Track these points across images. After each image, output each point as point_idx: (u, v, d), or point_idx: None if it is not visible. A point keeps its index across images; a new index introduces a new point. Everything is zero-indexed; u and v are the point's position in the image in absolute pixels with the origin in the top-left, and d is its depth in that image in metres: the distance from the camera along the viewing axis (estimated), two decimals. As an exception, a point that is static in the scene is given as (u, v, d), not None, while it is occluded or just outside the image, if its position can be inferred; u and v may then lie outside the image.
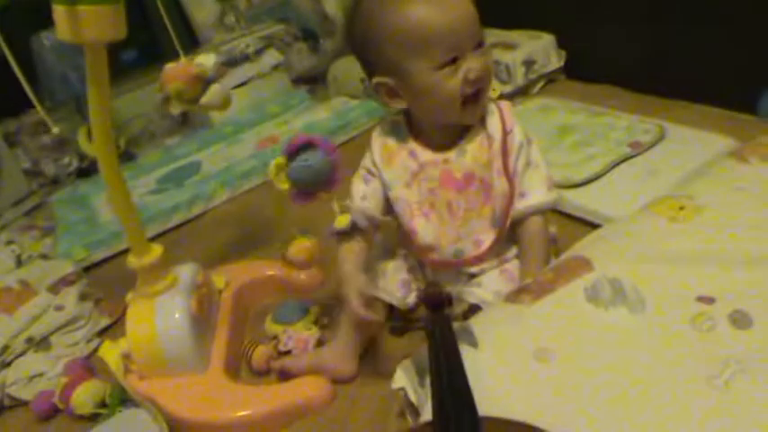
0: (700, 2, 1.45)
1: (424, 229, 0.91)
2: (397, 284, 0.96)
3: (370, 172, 0.93)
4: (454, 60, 0.80)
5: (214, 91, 0.99)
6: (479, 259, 0.92)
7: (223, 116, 2.00)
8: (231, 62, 2.10)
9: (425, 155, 0.90)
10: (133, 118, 2.32)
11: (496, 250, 0.92)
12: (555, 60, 1.85)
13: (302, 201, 0.92)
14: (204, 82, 0.99)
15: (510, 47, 1.81)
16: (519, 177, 0.89)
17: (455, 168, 0.89)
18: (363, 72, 0.91)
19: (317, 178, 0.90)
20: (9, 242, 1.59)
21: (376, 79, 0.87)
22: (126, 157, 2.08)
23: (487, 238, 0.91)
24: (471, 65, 0.81)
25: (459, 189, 0.89)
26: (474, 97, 0.84)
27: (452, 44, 0.80)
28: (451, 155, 0.89)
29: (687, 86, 1.53)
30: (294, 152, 0.89)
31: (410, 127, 0.92)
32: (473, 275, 0.93)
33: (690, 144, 1.30)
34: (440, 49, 0.80)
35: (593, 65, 1.80)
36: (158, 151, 2.08)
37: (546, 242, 0.92)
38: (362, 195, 0.92)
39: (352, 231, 0.91)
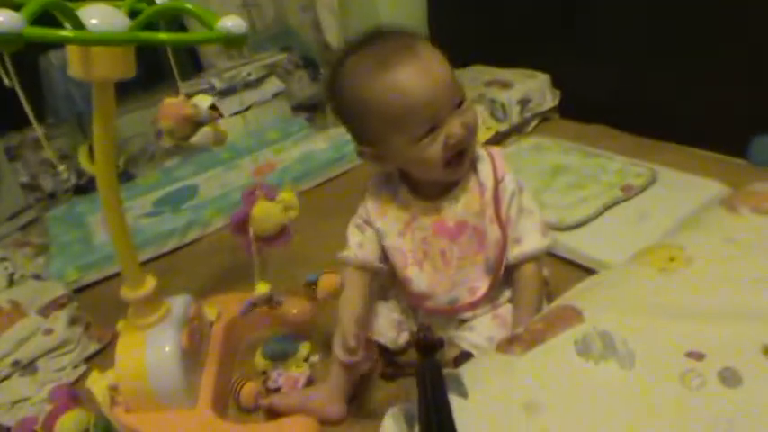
0: (693, 46, 1.48)
1: (418, 277, 0.92)
2: (389, 324, 0.96)
3: (365, 221, 0.94)
4: (433, 129, 0.81)
5: (203, 133, 1.04)
6: (474, 306, 0.93)
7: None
8: (233, 89, 2.12)
9: (418, 205, 0.91)
10: (133, 137, 2.34)
11: (490, 296, 0.93)
12: (549, 100, 1.88)
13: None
14: (196, 123, 1.02)
15: (506, 85, 1.84)
16: (512, 224, 0.89)
17: (447, 217, 0.90)
18: (348, 134, 0.91)
19: None
20: (2, 259, 1.59)
21: (360, 148, 0.88)
22: (124, 177, 2.09)
23: (482, 285, 0.91)
24: (451, 130, 0.81)
25: (452, 237, 0.90)
26: (457, 157, 0.84)
27: (429, 116, 0.80)
28: (443, 204, 0.90)
29: (679, 129, 1.56)
30: None
31: (402, 178, 0.93)
32: (465, 320, 0.94)
33: (681, 188, 1.32)
34: (416, 123, 0.80)
35: (586, 105, 1.83)
36: (156, 172, 2.08)
37: (540, 288, 0.93)
38: (359, 243, 0.93)
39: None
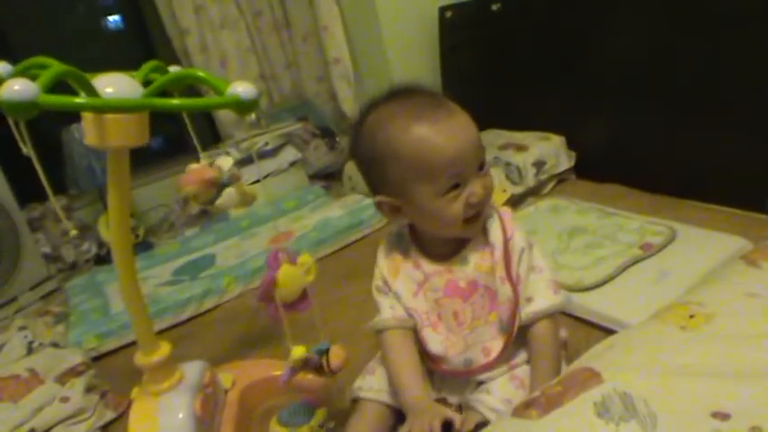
0: (709, 101, 1.49)
1: (433, 339, 0.91)
2: None
3: (384, 283, 0.94)
4: (457, 186, 0.82)
5: (228, 194, 1.05)
6: (489, 367, 0.91)
7: (242, 210, 2.05)
8: (251, 158, 2.17)
9: (429, 265, 0.91)
10: (153, 208, 2.38)
11: (505, 356, 0.91)
12: (565, 161, 1.89)
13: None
14: (219, 186, 1.04)
15: (521, 148, 1.85)
16: (523, 283, 0.88)
17: (459, 277, 0.89)
18: (367, 187, 0.92)
19: None
20: (22, 328, 1.60)
21: (379, 197, 0.88)
22: (144, 247, 2.12)
23: (496, 346, 0.90)
24: (474, 189, 0.82)
25: (465, 298, 0.89)
26: (475, 216, 0.85)
27: (456, 172, 0.81)
28: (454, 264, 0.89)
29: (697, 185, 1.56)
30: None
31: (413, 238, 0.93)
32: (481, 382, 0.92)
33: (701, 245, 1.30)
34: (444, 177, 0.81)
35: (602, 165, 1.84)
36: (176, 242, 2.11)
37: (557, 346, 0.91)
38: (390, 305, 0.93)
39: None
